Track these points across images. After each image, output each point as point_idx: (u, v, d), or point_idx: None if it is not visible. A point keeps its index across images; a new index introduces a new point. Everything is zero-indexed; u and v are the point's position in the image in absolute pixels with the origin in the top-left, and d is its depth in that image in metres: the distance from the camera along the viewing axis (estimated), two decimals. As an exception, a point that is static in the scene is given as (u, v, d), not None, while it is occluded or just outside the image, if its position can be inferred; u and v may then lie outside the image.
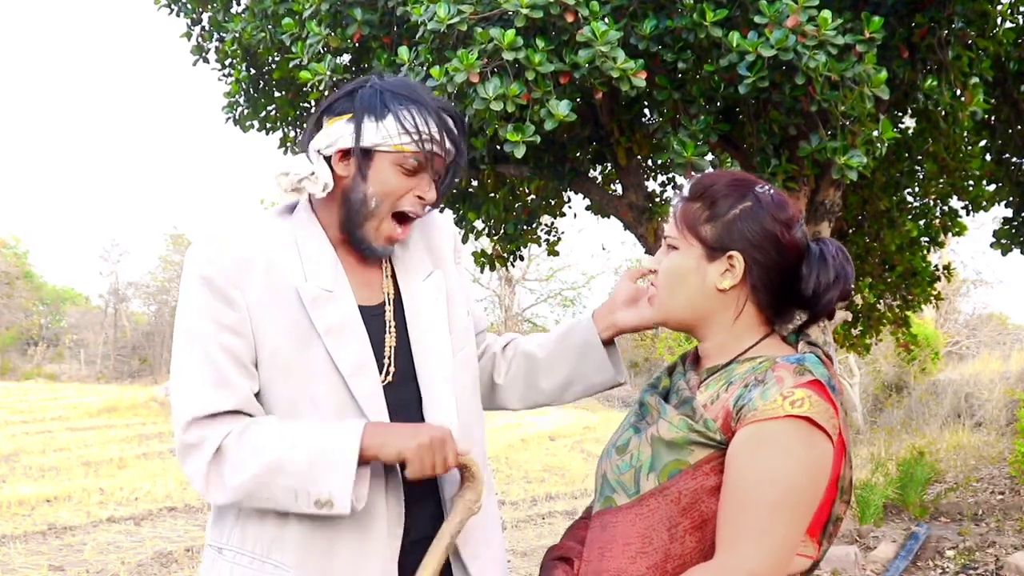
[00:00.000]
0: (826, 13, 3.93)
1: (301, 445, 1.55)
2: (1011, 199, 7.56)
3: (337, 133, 1.65)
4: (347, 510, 1.53)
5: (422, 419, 1.69)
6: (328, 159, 1.68)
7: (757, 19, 4.03)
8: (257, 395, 1.64)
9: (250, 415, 1.61)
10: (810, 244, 1.57)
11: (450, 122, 1.68)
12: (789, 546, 1.43)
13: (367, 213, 1.66)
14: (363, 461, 1.56)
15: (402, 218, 1.70)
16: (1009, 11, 6.00)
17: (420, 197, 1.68)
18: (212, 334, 1.60)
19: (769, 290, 1.55)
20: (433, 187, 1.69)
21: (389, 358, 1.70)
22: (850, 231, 7.84)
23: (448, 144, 1.68)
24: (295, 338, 1.63)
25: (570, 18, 4.14)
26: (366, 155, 1.65)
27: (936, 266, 8.50)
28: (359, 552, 1.63)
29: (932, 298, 8.46)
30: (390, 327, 1.72)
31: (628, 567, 1.48)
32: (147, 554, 6.47)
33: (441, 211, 1.96)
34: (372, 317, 1.71)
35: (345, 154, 1.66)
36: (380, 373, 1.68)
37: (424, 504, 1.71)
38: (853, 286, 1.58)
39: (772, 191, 1.56)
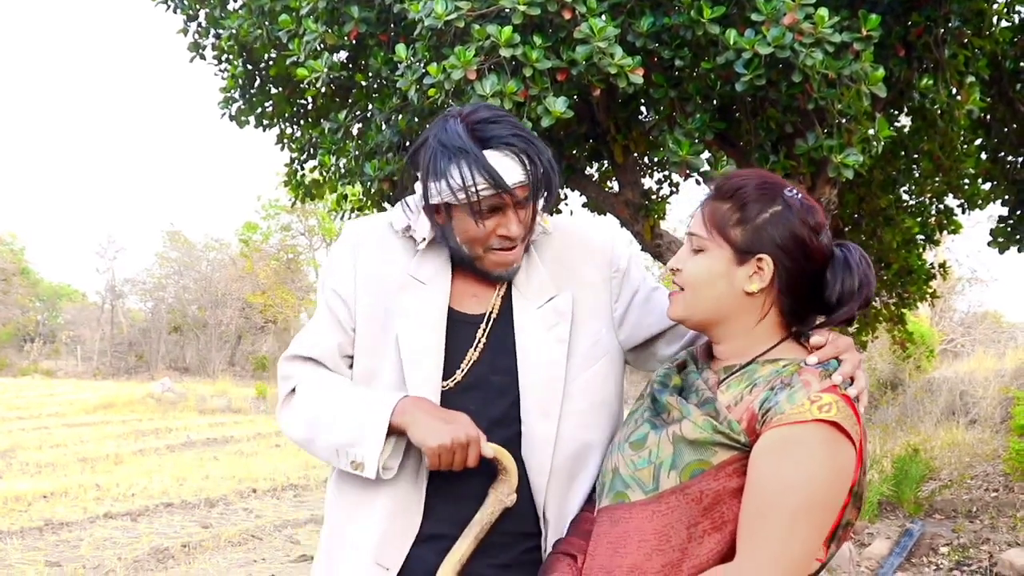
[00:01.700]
0: (823, 11, 3.93)
1: (348, 411, 1.70)
2: (1006, 197, 7.58)
3: (419, 190, 1.75)
4: (373, 476, 1.67)
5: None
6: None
7: (754, 17, 4.03)
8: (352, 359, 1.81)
9: (327, 367, 1.80)
10: (834, 250, 1.56)
11: (510, 158, 1.66)
12: (810, 551, 1.42)
13: (465, 256, 1.75)
14: (400, 433, 1.67)
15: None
16: (1005, 10, 6.00)
17: (504, 236, 1.71)
18: (328, 295, 1.82)
19: (794, 295, 1.55)
20: (515, 222, 1.70)
21: (462, 369, 1.76)
22: (846, 229, 7.85)
23: (514, 179, 1.66)
24: (383, 319, 1.78)
25: (567, 15, 4.14)
26: (445, 208, 1.72)
27: (932, 264, 8.52)
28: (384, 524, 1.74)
29: (928, 296, 8.48)
30: (478, 342, 1.77)
31: (643, 563, 1.47)
32: (144, 550, 6.47)
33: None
34: (466, 325, 1.78)
35: (429, 207, 1.75)
36: (448, 378, 1.75)
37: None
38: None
39: (800, 196, 1.57)
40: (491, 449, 1.63)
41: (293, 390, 1.79)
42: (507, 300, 1.80)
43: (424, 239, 1.78)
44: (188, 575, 6.00)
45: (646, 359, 1.90)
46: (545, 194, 1.73)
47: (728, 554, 1.46)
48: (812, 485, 1.41)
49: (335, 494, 1.82)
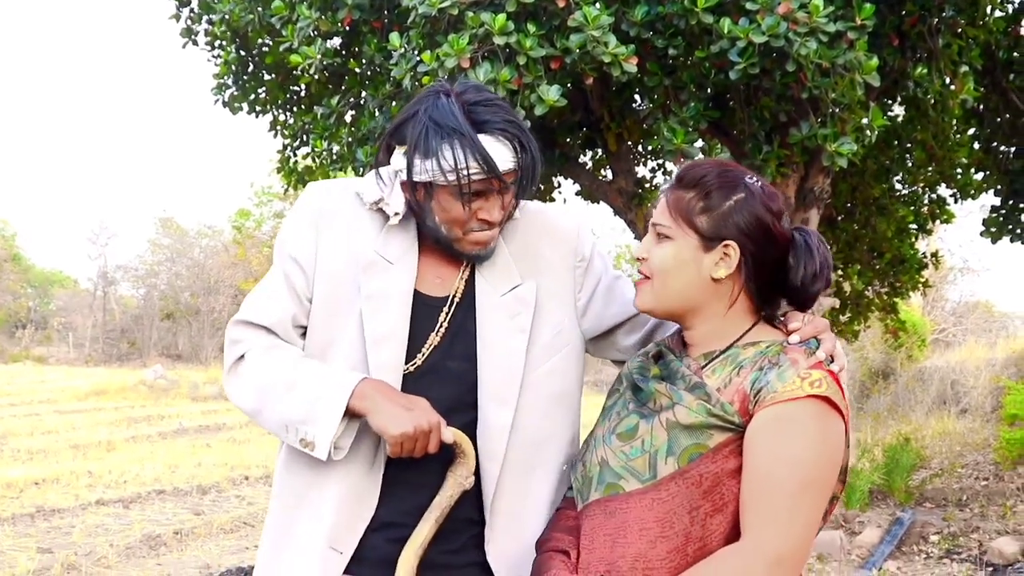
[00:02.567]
0: (818, 0, 3.93)
1: (302, 386, 1.65)
2: (999, 187, 7.60)
3: (399, 163, 1.70)
4: (324, 456, 1.63)
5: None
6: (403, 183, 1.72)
7: (748, 5, 4.03)
8: (306, 328, 1.76)
9: (279, 336, 1.74)
10: (794, 235, 1.60)
11: (503, 144, 1.64)
12: (813, 525, 1.46)
13: (441, 237, 1.71)
14: (355, 415, 1.63)
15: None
16: (999, 0, 6.01)
17: (484, 220, 1.68)
18: (285, 260, 1.75)
19: (760, 279, 1.58)
20: (498, 207, 1.68)
21: (423, 354, 1.73)
22: (839, 218, 7.86)
23: (505, 166, 1.64)
24: (345, 294, 1.73)
25: (561, 3, 4.13)
26: (426, 186, 1.67)
27: (924, 253, 8.55)
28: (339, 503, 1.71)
29: (919, 285, 8.51)
30: (440, 327, 1.74)
31: (647, 551, 1.48)
32: (136, 537, 6.47)
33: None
34: (429, 308, 1.75)
35: (410, 183, 1.70)
36: (408, 362, 1.72)
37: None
38: (833, 273, 1.60)
39: (761, 183, 1.60)
40: (451, 434, 1.62)
41: (242, 356, 1.73)
42: (470, 284, 1.77)
43: (397, 214, 1.73)
44: (180, 562, 6.00)
45: (605, 348, 1.89)
46: (530, 182, 1.72)
47: (732, 534, 1.48)
48: (810, 461, 1.44)
49: (284, 476, 1.77)
